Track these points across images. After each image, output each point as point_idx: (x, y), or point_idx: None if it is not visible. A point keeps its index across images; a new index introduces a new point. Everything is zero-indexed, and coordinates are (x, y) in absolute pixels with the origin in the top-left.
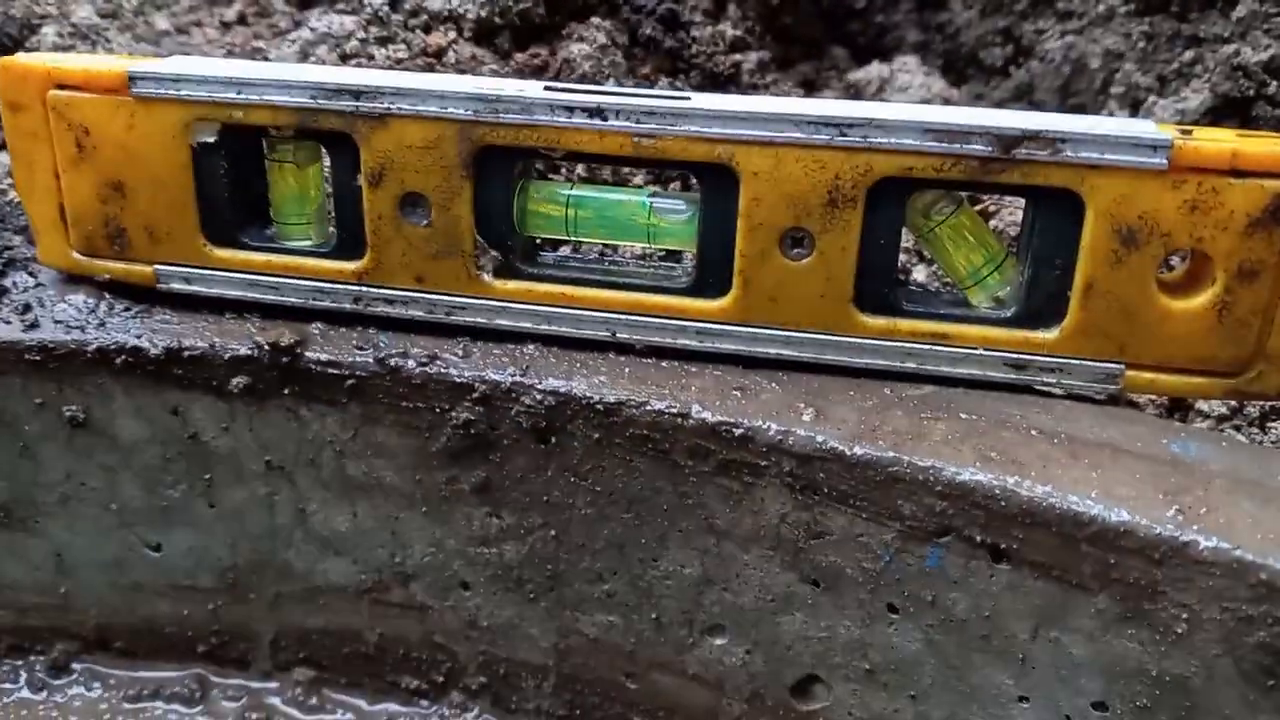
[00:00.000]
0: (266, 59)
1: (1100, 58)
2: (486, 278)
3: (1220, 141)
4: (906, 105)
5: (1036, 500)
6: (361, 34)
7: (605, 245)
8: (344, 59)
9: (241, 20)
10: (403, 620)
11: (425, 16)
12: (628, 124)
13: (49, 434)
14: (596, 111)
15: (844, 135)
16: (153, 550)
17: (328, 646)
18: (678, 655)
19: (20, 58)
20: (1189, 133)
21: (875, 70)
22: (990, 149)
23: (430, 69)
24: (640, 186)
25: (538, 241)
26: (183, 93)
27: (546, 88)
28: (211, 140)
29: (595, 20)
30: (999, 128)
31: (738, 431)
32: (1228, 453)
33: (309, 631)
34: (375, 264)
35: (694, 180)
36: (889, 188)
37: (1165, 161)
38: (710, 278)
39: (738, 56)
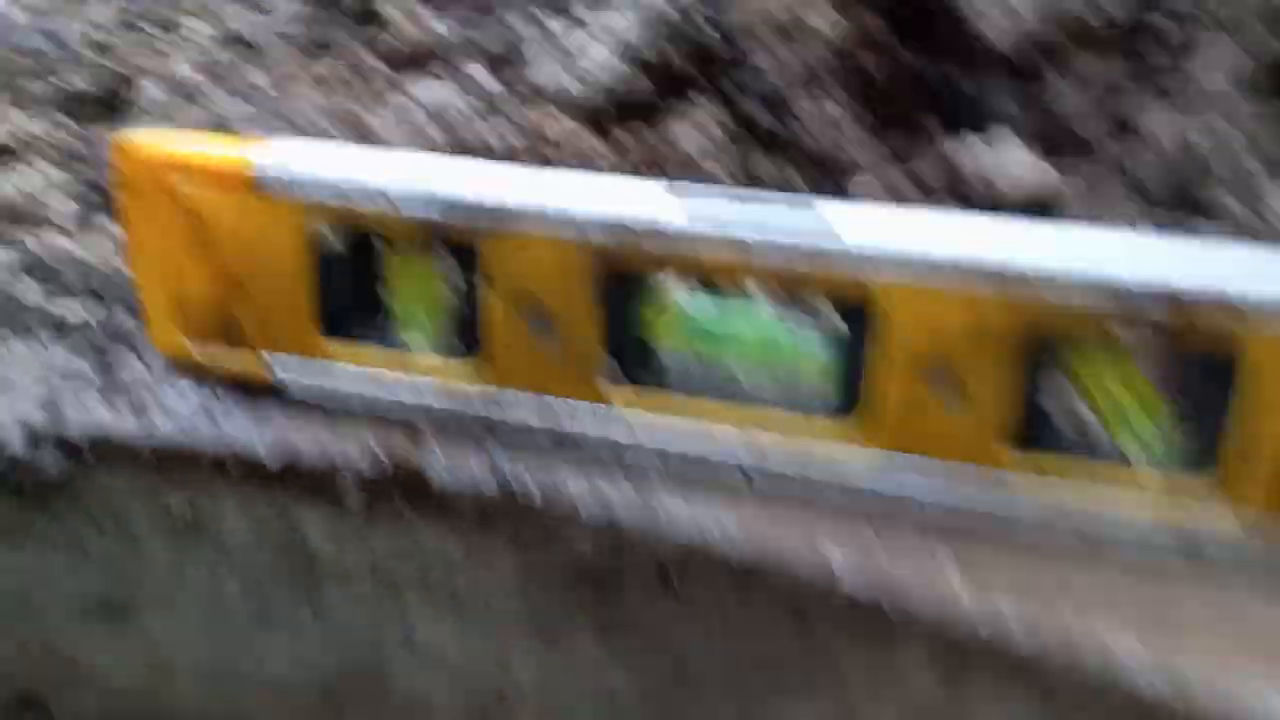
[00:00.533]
0: (372, 137)
1: (1207, 139)
2: (610, 389)
3: None
4: (1077, 245)
5: None
6: (462, 105)
7: (735, 361)
8: (448, 134)
9: (336, 78)
10: None
11: (526, 89)
12: (773, 257)
13: (155, 530)
14: (741, 245)
15: (1005, 283)
16: (251, 654)
17: None
18: None
19: (140, 139)
20: None
21: (971, 143)
22: (1173, 316)
23: (536, 151)
24: (771, 302)
25: (663, 354)
26: (308, 194)
27: (674, 190)
28: (334, 240)
29: (696, 97)
30: (1188, 291)
31: (884, 604)
32: None
33: None
34: (495, 370)
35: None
36: (1050, 336)
37: None
38: (849, 406)
39: (837, 134)
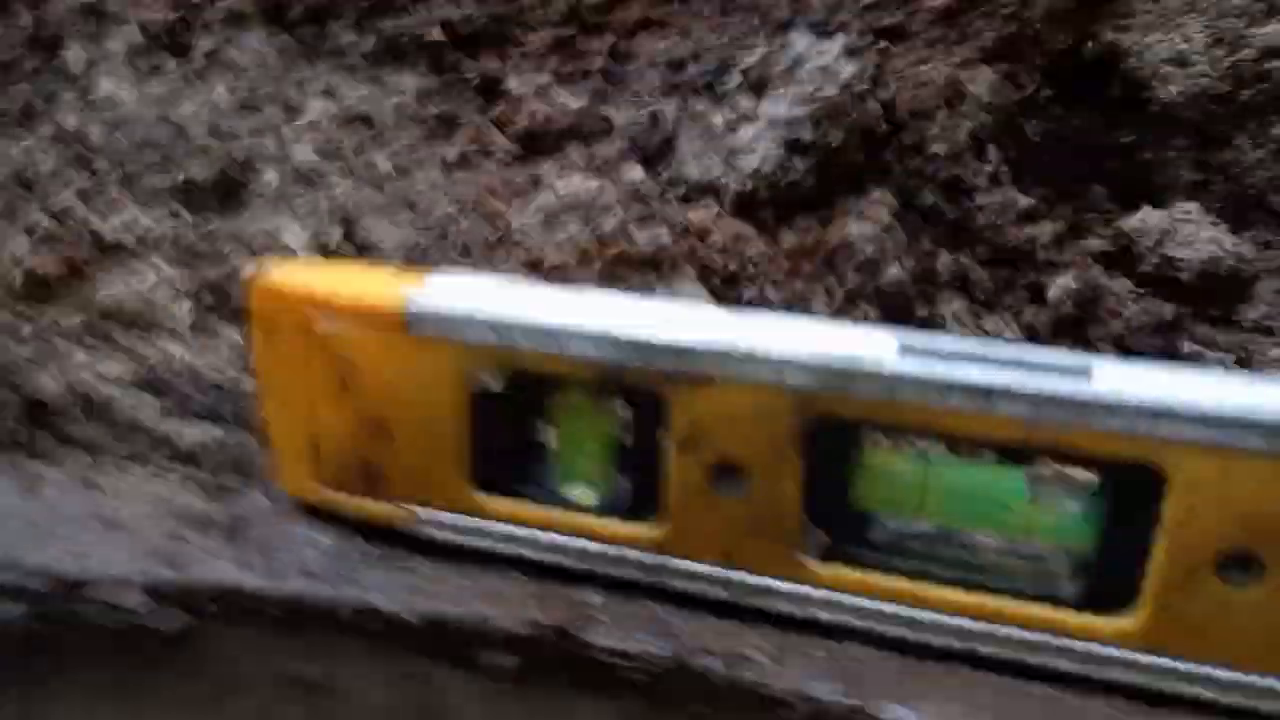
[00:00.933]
0: (508, 230)
1: None
2: (811, 562)
3: None
4: None
5: None
6: (610, 201)
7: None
8: (592, 228)
9: (464, 161)
10: None
11: (684, 188)
12: (1019, 410)
13: (282, 694)
14: (980, 393)
15: None
16: None
17: None
18: None
19: (280, 277)
20: None
21: (1151, 218)
22: None
23: (693, 252)
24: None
25: (875, 521)
26: (467, 336)
27: (904, 349)
28: (493, 384)
29: (875, 193)
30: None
31: None
32: None
33: None
34: (675, 534)
35: (1091, 468)
36: None
37: None
38: (1109, 591)
39: (1030, 230)
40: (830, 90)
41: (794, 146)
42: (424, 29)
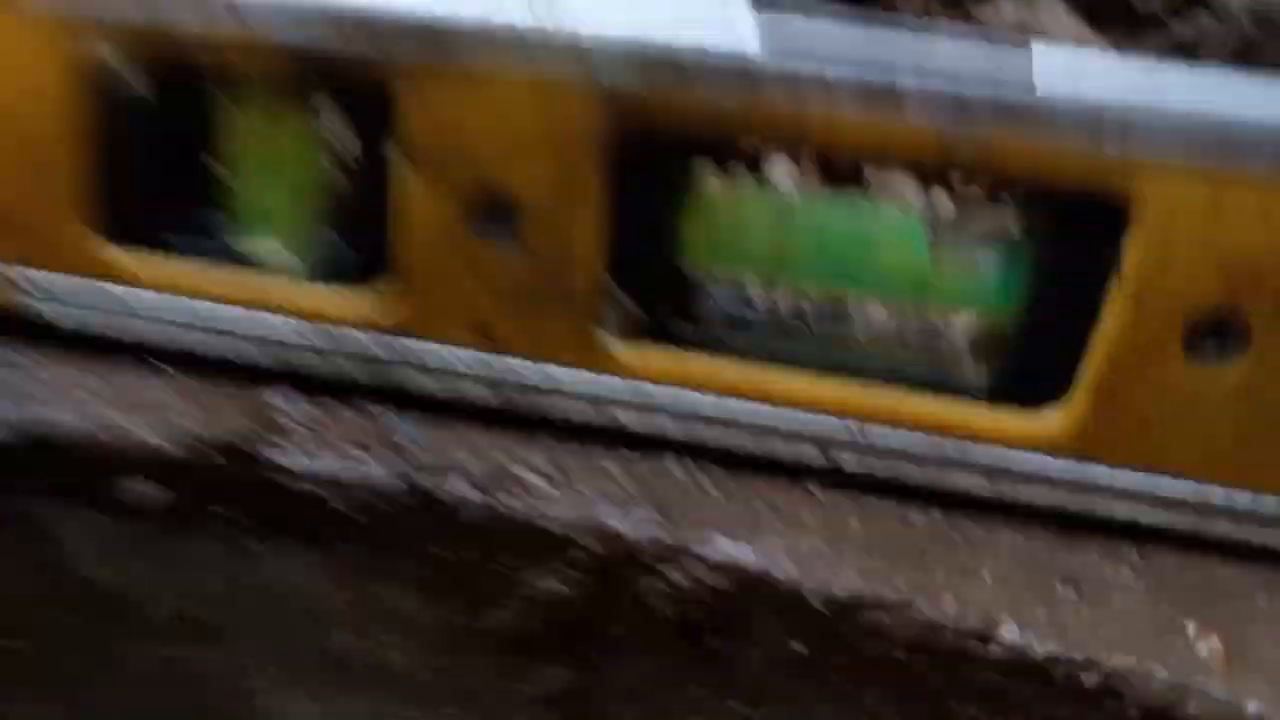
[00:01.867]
0: None
1: None
2: (614, 341)
3: None
4: None
5: None
6: None
7: (829, 299)
8: None
9: None
10: None
11: None
12: (934, 118)
13: None
14: (882, 94)
15: None
16: None
17: None
18: None
19: None
20: None
21: (1009, 9)
22: None
23: None
24: (900, 198)
25: (707, 285)
26: (84, 4)
27: (769, 26)
28: (130, 80)
29: None
30: None
31: (1086, 678)
32: None
33: None
34: (413, 304)
35: (1018, 203)
36: None
37: None
38: (1034, 378)
39: None
40: None
41: None
42: None
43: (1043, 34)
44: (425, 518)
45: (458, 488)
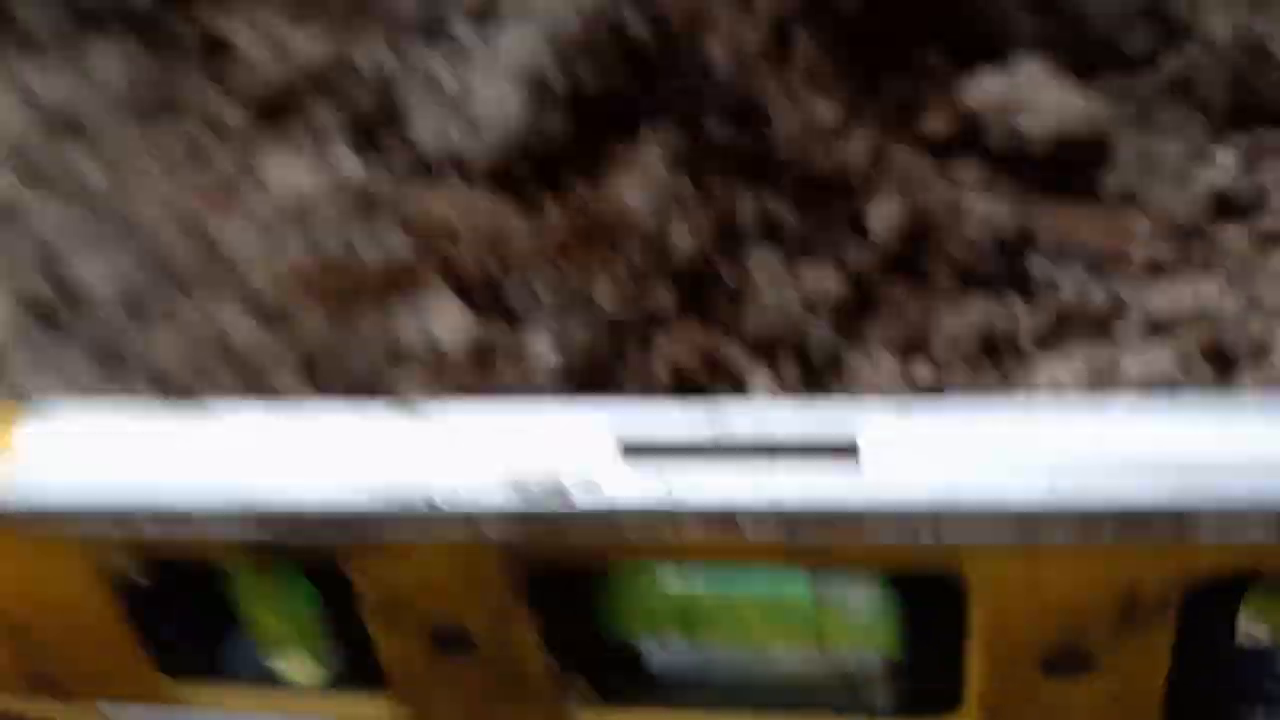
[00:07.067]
0: (222, 246)
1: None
2: (575, 711)
3: None
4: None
5: None
6: (335, 201)
7: (746, 649)
8: (325, 265)
9: (185, 155)
10: None
11: (415, 158)
12: (770, 531)
13: None
14: (720, 518)
15: (1143, 530)
16: None
17: None
18: None
19: None
20: None
21: (993, 84)
22: None
23: (435, 251)
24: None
25: (643, 653)
26: (84, 530)
27: (628, 449)
28: (136, 570)
29: (645, 142)
30: None
31: None
32: None
33: None
34: (409, 708)
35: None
36: (1217, 588)
37: None
38: (928, 696)
39: (841, 148)
40: (571, 16)
41: (541, 95)
42: None
43: (1036, 108)
44: None
45: None
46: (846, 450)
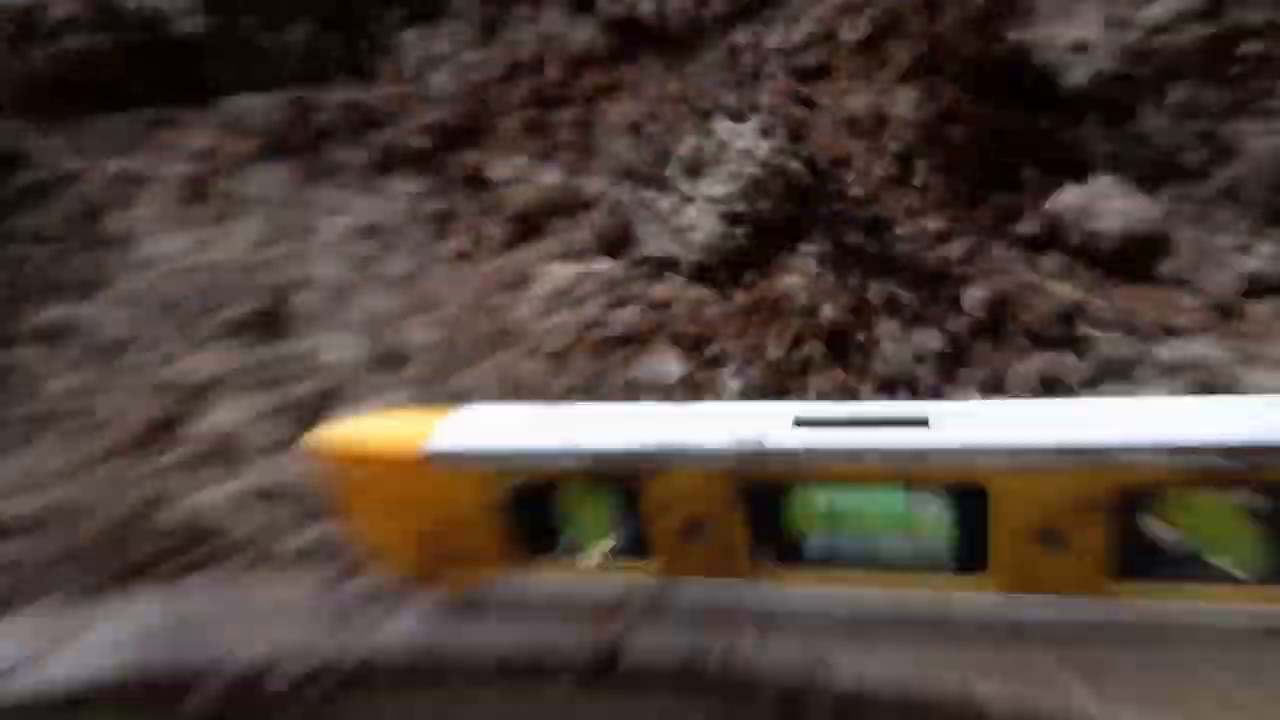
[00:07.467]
0: (510, 325)
1: None
2: (761, 573)
3: None
4: (1147, 416)
5: None
6: (590, 287)
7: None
8: (586, 328)
9: (464, 255)
10: None
11: (647, 266)
12: (880, 460)
13: None
14: (849, 453)
15: (1091, 459)
16: None
17: None
18: None
19: (326, 435)
20: None
21: (1072, 196)
22: (1230, 461)
23: (662, 325)
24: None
25: (805, 540)
26: (478, 463)
27: (799, 421)
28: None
29: (803, 247)
30: (1236, 444)
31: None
32: None
33: None
34: (665, 567)
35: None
36: (1135, 494)
37: None
38: (968, 561)
39: (943, 250)
40: (752, 168)
41: (733, 218)
42: (409, 138)
43: (1105, 214)
44: (693, 672)
45: (714, 653)
46: (922, 421)
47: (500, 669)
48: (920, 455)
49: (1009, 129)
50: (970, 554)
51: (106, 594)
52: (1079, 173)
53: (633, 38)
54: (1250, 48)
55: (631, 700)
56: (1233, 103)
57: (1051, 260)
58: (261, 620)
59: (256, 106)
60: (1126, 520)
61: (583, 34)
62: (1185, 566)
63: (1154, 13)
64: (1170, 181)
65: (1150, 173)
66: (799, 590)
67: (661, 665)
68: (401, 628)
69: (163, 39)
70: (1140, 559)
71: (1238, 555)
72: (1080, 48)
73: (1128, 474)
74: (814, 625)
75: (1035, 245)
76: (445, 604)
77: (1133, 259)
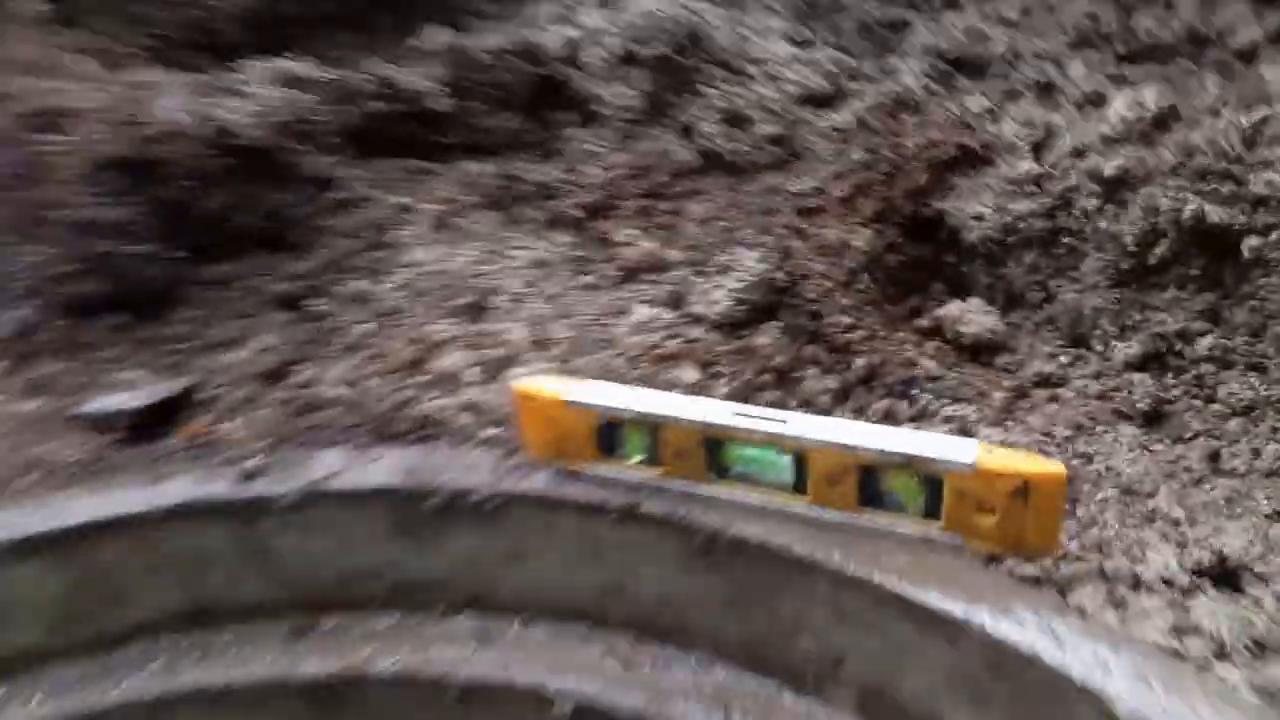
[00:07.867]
0: (615, 341)
1: (1090, 310)
2: (709, 480)
3: (1001, 460)
4: (882, 434)
5: None
6: (657, 323)
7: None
8: (650, 347)
9: (591, 288)
10: None
11: (689, 318)
12: (765, 434)
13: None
14: (754, 430)
15: (850, 449)
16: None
17: None
18: None
19: (519, 385)
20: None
21: (955, 308)
22: (906, 458)
23: (689, 353)
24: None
25: (733, 467)
26: (588, 408)
27: (735, 413)
28: (601, 421)
29: (773, 322)
30: (909, 452)
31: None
32: None
33: None
34: (666, 472)
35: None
36: (868, 468)
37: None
38: (799, 487)
39: (853, 333)
40: (753, 279)
41: (738, 301)
42: (568, 208)
43: (969, 324)
44: (666, 519)
45: (678, 513)
46: (784, 420)
47: (582, 508)
48: (780, 435)
49: (926, 260)
50: (800, 484)
51: (376, 448)
52: (962, 294)
53: (712, 162)
54: (1069, 239)
55: (632, 525)
56: (1056, 268)
57: (931, 345)
58: (468, 468)
59: (482, 170)
60: (865, 479)
61: (683, 153)
62: (889, 504)
63: (1019, 207)
64: (1017, 308)
65: (1004, 302)
66: (723, 491)
67: (656, 514)
68: (538, 480)
69: (422, 111)
70: (871, 499)
71: (914, 502)
72: (978, 218)
73: (865, 458)
74: (727, 508)
75: (925, 334)
76: (561, 473)
77: (979, 353)
